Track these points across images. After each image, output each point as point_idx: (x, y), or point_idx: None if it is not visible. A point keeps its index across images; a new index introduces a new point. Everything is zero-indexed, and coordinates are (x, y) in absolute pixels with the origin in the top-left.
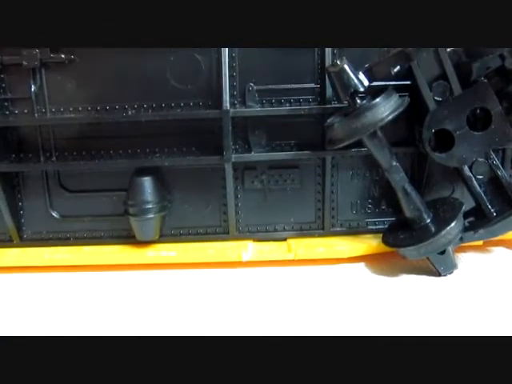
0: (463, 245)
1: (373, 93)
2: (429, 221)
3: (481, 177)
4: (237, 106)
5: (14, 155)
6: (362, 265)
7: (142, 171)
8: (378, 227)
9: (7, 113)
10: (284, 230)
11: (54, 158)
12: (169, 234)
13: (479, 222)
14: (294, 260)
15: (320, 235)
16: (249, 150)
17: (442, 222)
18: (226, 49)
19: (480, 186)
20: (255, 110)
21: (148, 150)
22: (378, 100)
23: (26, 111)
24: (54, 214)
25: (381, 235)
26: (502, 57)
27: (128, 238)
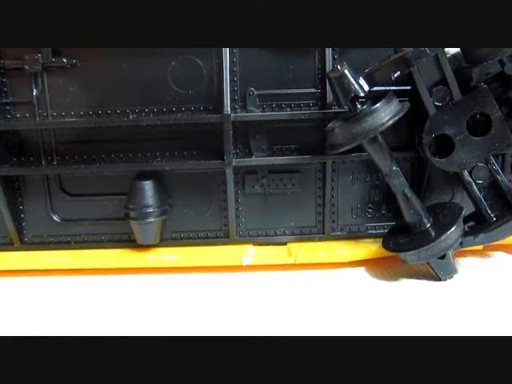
0: (463, 249)
1: (373, 98)
2: (429, 225)
3: (481, 182)
4: (238, 110)
5: (15, 159)
6: (362, 269)
7: (143, 175)
8: (378, 232)
9: (9, 116)
10: (284, 234)
11: (55, 162)
12: (169, 237)
13: (479, 226)
14: (294, 264)
15: (320, 239)
16: (249, 155)
17: (442, 227)
18: (227, 54)
19: (480, 191)
20: (256, 114)
21: (149, 154)
22: (378, 105)
23: (27, 115)
24: (54, 218)
25: (381, 240)
26: (501, 62)
27: (129, 241)
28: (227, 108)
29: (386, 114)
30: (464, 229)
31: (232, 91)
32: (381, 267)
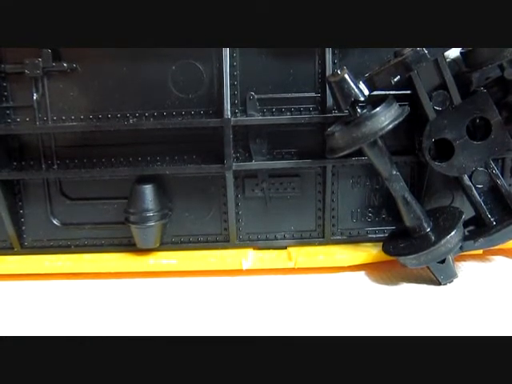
0: (463, 253)
1: (373, 102)
2: (429, 230)
3: (480, 186)
4: (238, 114)
5: (15, 163)
6: (362, 273)
7: (143, 179)
8: (378, 236)
9: (9, 121)
10: (284, 238)
11: (55, 166)
12: (169, 241)
13: (479, 230)
14: (294, 268)
15: (320, 243)
16: (249, 159)
17: (442, 231)
18: (228, 58)
19: (480, 195)
20: (256, 118)
21: (149, 158)
22: (378, 109)
23: (27, 119)
24: (54, 222)
25: (381, 244)
26: (501, 67)
27: (129, 245)
28: (227, 112)
29: (385, 118)
30: (464, 233)
31: (232, 95)
32: (381, 271)
